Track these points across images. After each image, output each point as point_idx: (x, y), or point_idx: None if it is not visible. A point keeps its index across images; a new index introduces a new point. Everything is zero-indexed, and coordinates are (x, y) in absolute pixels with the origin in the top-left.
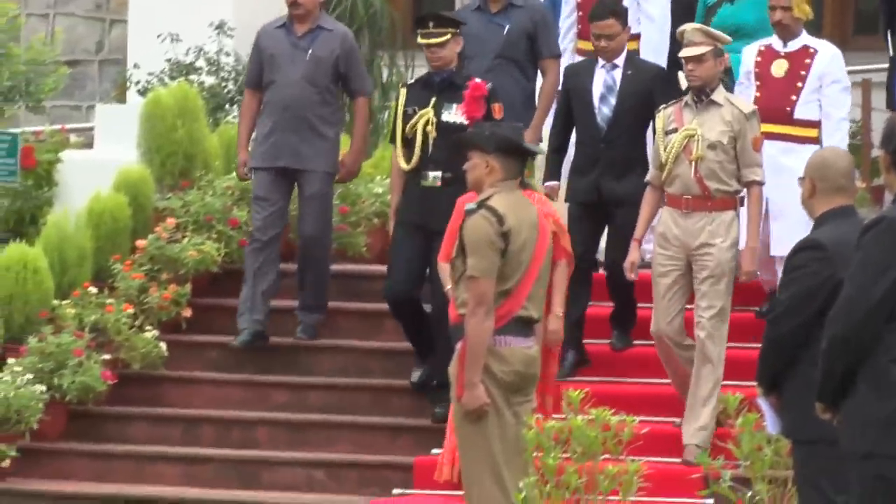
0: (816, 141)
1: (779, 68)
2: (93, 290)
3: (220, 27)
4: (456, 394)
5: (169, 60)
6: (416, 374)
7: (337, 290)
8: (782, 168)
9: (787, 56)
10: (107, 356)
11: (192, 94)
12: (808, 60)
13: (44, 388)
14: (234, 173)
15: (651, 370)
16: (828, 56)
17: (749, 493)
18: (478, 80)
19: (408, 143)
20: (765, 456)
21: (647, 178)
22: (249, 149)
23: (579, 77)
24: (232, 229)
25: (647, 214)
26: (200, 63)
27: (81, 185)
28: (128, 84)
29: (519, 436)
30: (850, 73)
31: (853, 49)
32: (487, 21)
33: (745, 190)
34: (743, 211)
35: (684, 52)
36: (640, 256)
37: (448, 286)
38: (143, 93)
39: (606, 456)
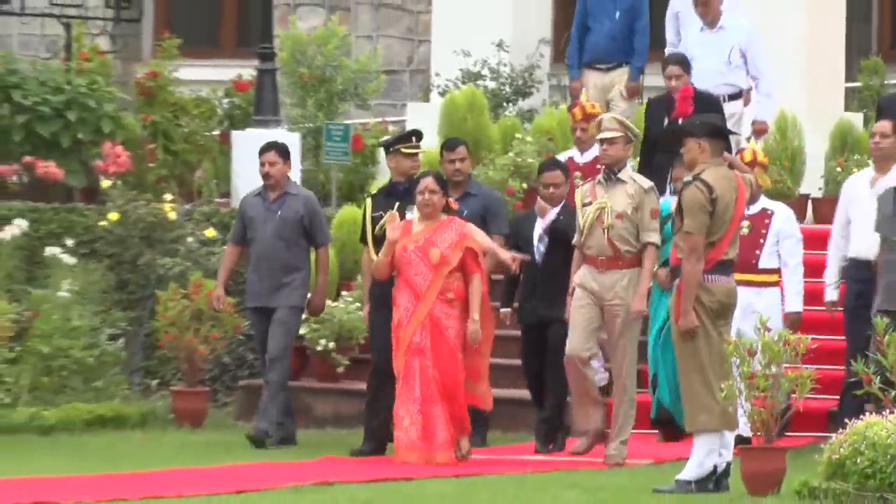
0: (777, 284)
1: (744, 228)
2: None
3: (500, 45)
4: (674, 319)
5: (461, 70)
6: (366, 447)
7: None
8: (753, 307)
9: (750, 218)
10: None
11: (479, 95)
12: (766, 221)
13: None
14: (510, 153)
15: (813, 300)
16: (782, 216)
17: (894, 393)
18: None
19: (378, 242)
20: None
21: (574, 241)
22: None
23: (524, 224)
24: (507, 196)
25: (576, 271)
26: (485, 72)
27: None
28: (431, 88)
29: (722, 349)
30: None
31: None
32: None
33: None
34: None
35: (601, 135)
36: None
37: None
38: (442, 94)
39: (787, 365)
